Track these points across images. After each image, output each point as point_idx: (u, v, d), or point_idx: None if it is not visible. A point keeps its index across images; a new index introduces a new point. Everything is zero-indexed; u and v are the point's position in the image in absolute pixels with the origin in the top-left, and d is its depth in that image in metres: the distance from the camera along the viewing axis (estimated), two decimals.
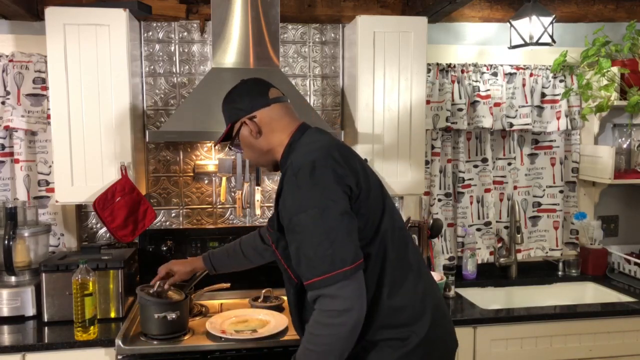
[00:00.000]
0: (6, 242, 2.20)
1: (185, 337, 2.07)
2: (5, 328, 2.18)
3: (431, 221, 2.71)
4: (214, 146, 1.86)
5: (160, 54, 2.66)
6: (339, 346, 1.42)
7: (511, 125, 2.83)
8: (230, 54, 2.42)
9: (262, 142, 1.67)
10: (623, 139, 2.94)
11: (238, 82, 1.74)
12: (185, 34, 2.67)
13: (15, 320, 2.23)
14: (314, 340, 1.44)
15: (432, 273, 2.29)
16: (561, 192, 2.98)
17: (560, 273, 2.95)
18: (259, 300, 2.41)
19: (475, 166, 2.90)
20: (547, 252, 3.01)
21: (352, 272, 1.39)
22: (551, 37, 2.57)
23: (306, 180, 1.45)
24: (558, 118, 2.87)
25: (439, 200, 2.84)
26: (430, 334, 1.54)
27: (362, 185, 1.50)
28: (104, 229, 2.65)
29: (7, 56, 2.46)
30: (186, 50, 2.68)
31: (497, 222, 2.94)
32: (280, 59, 2.57)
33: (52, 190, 2.52)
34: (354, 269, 1.40)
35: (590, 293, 2.85)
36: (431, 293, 1.61)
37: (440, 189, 2.84)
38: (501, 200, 2.94)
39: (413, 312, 1.54)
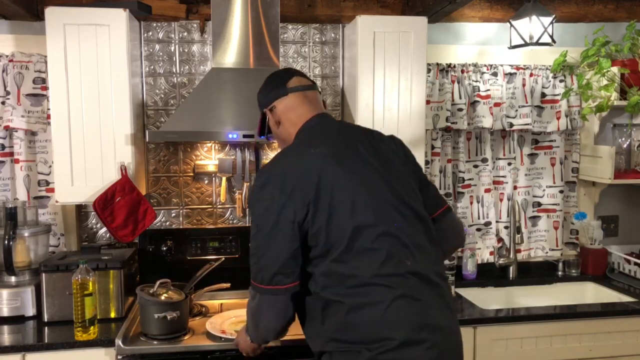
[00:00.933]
0: (6, 242, 2.20)
1: (185, 337, 2.07)
2: (5, 328, 2.18)
3: None
4: (259, 136, 1.83)
5: (160, 54, 2.66)
6: (259, 334, 1.70)
7: (511, 125, 2.83)
8: (230, 54, 2.42)
9: (283, 131, 1.72)
10: (623, 139, 2.93)
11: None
12: (185, 34, 2.67)
13: (15, 320, 2.23)
14: (250, 327, 1.72)
15: None
16: (561, 192, 2.97)
17: (560, 273, 2.95)
18: None
19: (475, 166, 2.90)
20: (547, 252, 3.01)
21: (266, 292, 1.53)
22: (551, 37, 2.57)
23: (256, 194, 1.56)
24: (558, 118, 2.87)
25: None
26: (394, 355, 1.44)
27: (312, 206, 1.48)
28: (104, 229, 2.65)
29: (7, 56, 2.46)
30: (186, 50, 2.68)
31: (497, 222, 2.94)
32: (280, 59, 2.57)
33: (52, 190, 2.52)
34: (269, 290, 1.53)
35: (590, 293, 2.85)
36: (415, 316, 1.47)
37: (440, 189, 2.84)
38: (501, 200, 2.94)
39: (370, 331, 1.46)
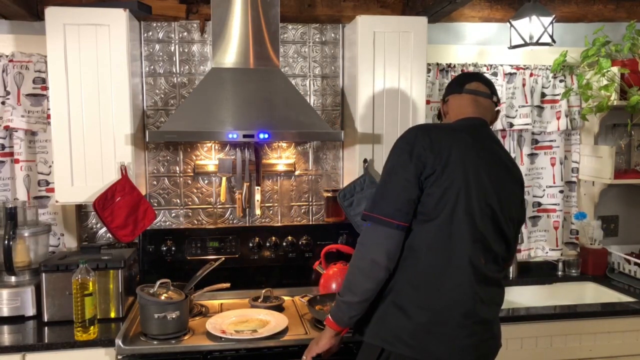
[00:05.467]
0: (6, 242, 2.20)
1: (185, 337, 2.07)
2: (5, 328, 2.18)
3: None
4: (438, 119, 2.09)
5: (160, 54, 2.66)
6: (358, 281, 1.68)
7: (511, 125, 2.83)
8: (230, 54, 2.42)
9: (446, 122, 1.89)
10: (623, 139, 2.94)
11: None
12: (185, 34, 2.67)
13: (15, 320, 2.23)
14: (349, 270, 1.72)
15: None
16: (561, 192, 2.97)
17: (560, 273, 2.95)
18: (259, 300, 2.41)
19: None
20: (547, 252, 3.01)
21: (385, 223, 1.64)
22: (551, 37, 2.57)
23: (398, 142, 1.73)
24: (558, 118, 2.87)
25: None
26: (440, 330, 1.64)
27: (437, 170, 1.64)
28: (104, 229, 2.65)
29: (7, 56, 2.46)
30: (186, 50, 2.68)
31: None
32: (280, 59, 2.57)
33: (52, 190, 2.52)
34: (387, 222, 1.63)
35: (590, 293, 2.85)
36: (468, 306, 1.65)
37: None
38: None
39: (429, 301, 1.65)
